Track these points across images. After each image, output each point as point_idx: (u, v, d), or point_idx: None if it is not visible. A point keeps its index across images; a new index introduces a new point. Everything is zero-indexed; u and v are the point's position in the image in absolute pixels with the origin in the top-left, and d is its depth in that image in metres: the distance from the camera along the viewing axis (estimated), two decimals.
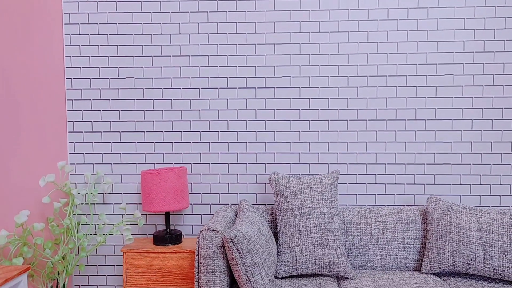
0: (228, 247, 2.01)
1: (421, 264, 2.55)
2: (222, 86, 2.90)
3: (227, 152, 2.94)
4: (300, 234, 2.39)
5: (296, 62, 2.87)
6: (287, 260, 2.38)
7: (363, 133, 2.89)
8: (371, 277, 2.40)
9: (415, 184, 2.89)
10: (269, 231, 2.35)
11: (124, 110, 2.92)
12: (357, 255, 2.58)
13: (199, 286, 2.11)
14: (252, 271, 2.02)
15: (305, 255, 2.36)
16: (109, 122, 2.93)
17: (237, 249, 2.00)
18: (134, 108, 2.92)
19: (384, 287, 2.24)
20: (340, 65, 2.86)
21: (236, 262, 2.02)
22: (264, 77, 2.89)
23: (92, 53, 2.91)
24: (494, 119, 2.82)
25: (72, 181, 2.95)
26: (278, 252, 2.43)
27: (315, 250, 2.36)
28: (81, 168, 2.95)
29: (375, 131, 2.88)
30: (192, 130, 2.94)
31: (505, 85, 2.80)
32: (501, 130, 2.82)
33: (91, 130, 2.94)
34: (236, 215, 2.62)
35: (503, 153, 2.83)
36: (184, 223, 2.97)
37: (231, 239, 1.99)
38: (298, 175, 2.75)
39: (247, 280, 2.02)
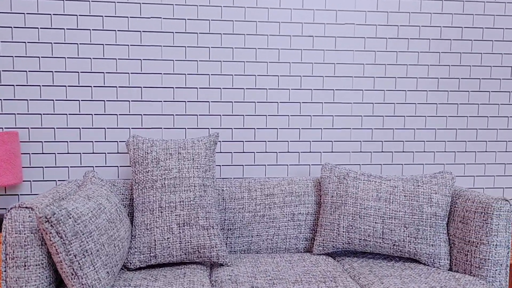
0: (44, 229, 1.48)
1: (313, 243, 2.22)
2: (71, 27, 2.33)
3: (78, 113, 2.38)
4: (161, 212, 1.92)
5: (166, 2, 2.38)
6: (143, 245, 1.90)
7: (250, 92, 2.48)
8: (251, 262, 2.01)
9: (310, 152, 2.56)
10: (119, 208, 1.86)
11: None
12: (239, 236, 2.18)
13: (6, 286, 1.56)
14: (80, 261, 1.52)
15: (167, 238, 1.90)
16: None
17: (57, 232, 1.49)
18: None
19: (266, 273, 1.86)
20: (224, 6, 2.42)
21: (56, 250, 1.50)
22: (127, 17, 2.37)
23: None
24: (398, 78, 2.57)
25: None
26: (132, 236, 1.95)
27: (181, 231, 1.91)
28: None
29: (265, 89, 2.49)
30: (29, 84, 2.33)
31: (410, 39, 2.56)
32: (405, 90, 2.58)
33: None
34: None
35: (406, 116, 2.59)
36: None
37: (46, 217, 1.47)
38: (166, 140, 2.27)
39: (73, 274, 1.51)
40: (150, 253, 1.90)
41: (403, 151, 2.61)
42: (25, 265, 1.56)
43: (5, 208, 2.36)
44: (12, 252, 1.56)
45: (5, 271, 1.58)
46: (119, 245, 1.73)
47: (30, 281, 1.57)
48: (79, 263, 1.52)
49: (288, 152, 2.54)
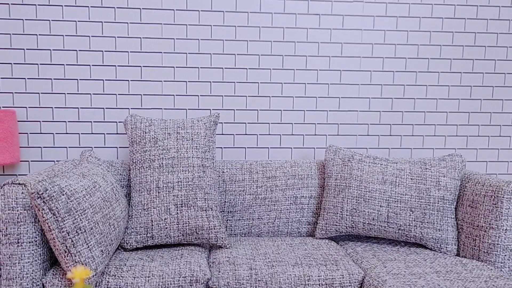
0: (36, 205, 1.50)
1: (316, 227, 2.22)
2: (68, 4, 2.33)
3: (76, 92, 2.39)
4: (159, 192, 1.94)
5: None
6: (140, 226, 1.92)
7: (253, 72, 2.48)
8: (251, 245, 2.02)
9: (315, 135, 2.55)
10: (115, 188, 1.87)
11: None
12: (239, 219, 2.19)
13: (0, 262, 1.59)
14: (74, 239, 1.54)
15: (165, 218, 1.92)
16: None
17: (49, 209, 1.50)
18: None
19: (265, 256, 1.87)
20: None
21: (49, 227, 1.52)
22: None
23: None
24: (408, 58, 2.54)
25: None
26: (129, 216, 1.96)
27: (179, 212, 1.93)
28: None
29: (269, 69, 2.48)
30: (27, 63, 2.35)
31: (422, 17, 2.53)
32: (416, 72, 2.55)
33: None
34: None
35: (416, 98, 2.57)
36: None
37: (38, 193, 1.49)
38: (164, 120, 2.28)
39: (66, 251, 1.53)
40: (147, 234, 1.92)
41: (413, 135, 2.59)
42: (18, 242, 1.58)
43: None
44: (5, 229, 1.58)
45: None
46: (114, 224, 1.75)
47: (23, 258, 1.59)
48: (72, 241, 1.54)
49: (292, 134, 2.53)
